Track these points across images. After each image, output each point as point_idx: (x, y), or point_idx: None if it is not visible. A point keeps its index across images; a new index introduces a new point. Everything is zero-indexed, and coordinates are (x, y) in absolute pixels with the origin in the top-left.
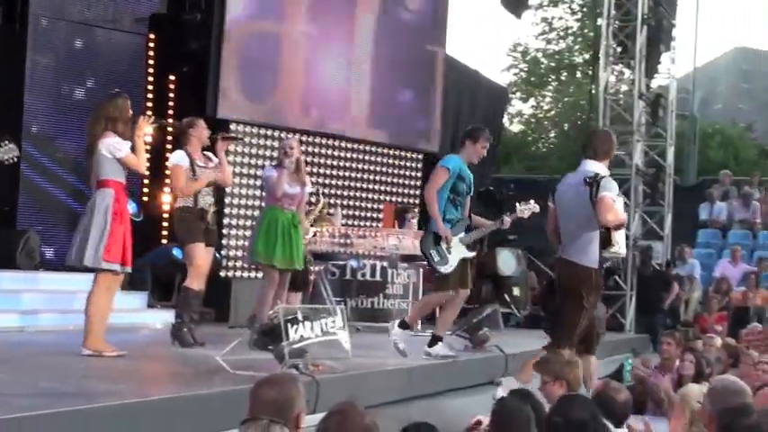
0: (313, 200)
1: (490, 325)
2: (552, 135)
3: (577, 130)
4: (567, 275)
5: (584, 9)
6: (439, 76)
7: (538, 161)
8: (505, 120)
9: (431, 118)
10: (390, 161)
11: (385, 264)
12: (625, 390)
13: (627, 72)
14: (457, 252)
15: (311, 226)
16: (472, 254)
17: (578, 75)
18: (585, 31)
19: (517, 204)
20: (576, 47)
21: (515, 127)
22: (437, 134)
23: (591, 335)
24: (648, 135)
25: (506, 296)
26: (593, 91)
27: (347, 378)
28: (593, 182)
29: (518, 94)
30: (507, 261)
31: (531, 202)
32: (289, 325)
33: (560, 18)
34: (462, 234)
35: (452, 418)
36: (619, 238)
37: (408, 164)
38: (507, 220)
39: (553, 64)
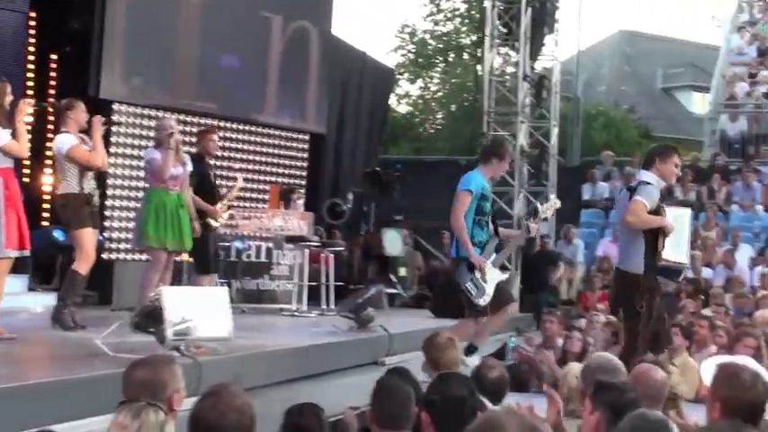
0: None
1: (375, 305)
2: (439, 116)
3: (464, 111)
4: (615, 284)
5: None
6: (319, 56)
7: (425, 142)
8: (393, 101)
9: (314, 99)
10: (276, 142)
11: (270, 245)
12: (500, 368)
13: (513, 54)
14: (492, 278)
15: (228, 208)
16: (506, 275)
17: (465, 56)
18: (472, 12)
19: (538, 206)
20: (464, 28)
21: (403, 108)
22: (324, 115)
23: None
24: (533, 116)
25: (392, 276)
26: (480, 72)
27: (230, 360)
28: (634, 188)
29: (406, 76)
30: (393, 241)
31: (552, 197)
32: (170, 306)
33: (448, 0)
34: (494, 256)
35: (337, 398)
36: (670, 245)
37: (294, 144)
38: (533, 226)
39: (441, 45)
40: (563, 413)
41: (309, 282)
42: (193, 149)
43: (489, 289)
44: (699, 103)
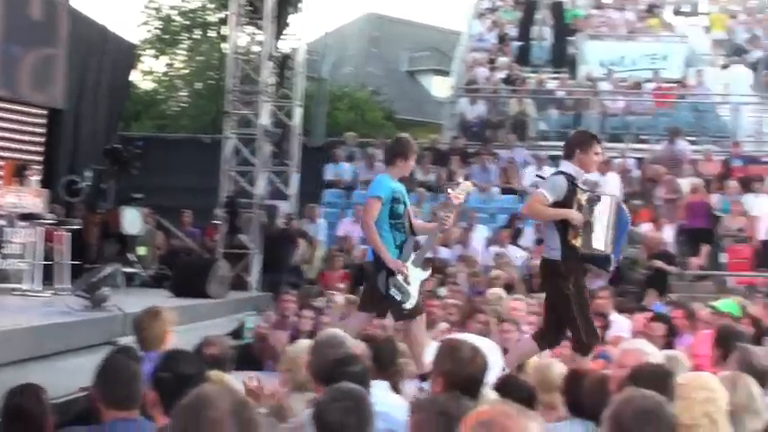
0: None
1: (111, 284)
2: (184, 94)
3: (209, 89)
4: (540, 272)
5: None
6: (62, 29)
7: (169, 120)
8: (137, 77)
9: (51, 73)
10: (9, 116)
11: (2, 222)
12: (221, 345)
13: (259, 34)
14: (415, 279)
15: None
16: (428, 272)
17: (212, 34)
18: None
19: (449, 191)
20: (211, 5)
21: (147, 84)
22: (61, 89)
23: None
24: (277, 96)
25: (131, 255)
26: (225, 51)
27: None
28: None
29: (151, 52)
30: (132, 220)
31: (461, 180)
32: None
33: None
34: (413, 256)
35: (69, 380)
36: (586, 234)
37: (30, 119)
38: (448, 215)
39: (187, 22)
40: (290, 387)
41: (44, 261)
42: None
43: (414, 290)
44: (441, 87)
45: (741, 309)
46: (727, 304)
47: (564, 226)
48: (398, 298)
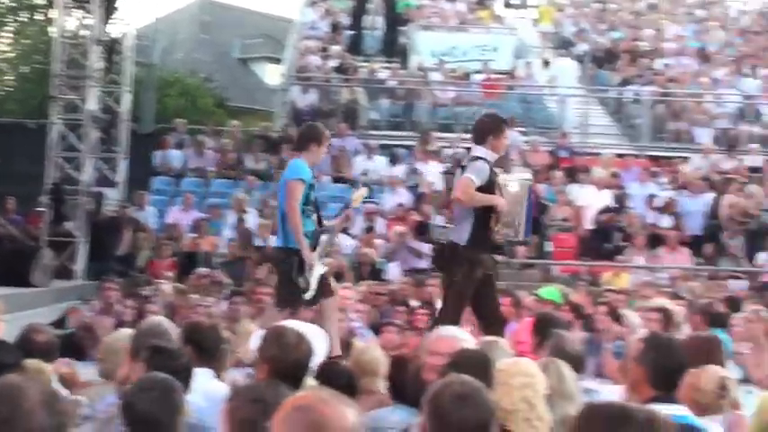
0: None
1: None
2: (10, 78)
3: (36, 73)
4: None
5: None
6: None
7: None
8: None
9: None
10: None
11: None
12: (47, 333)
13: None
14: (316, 271)
15: None
16: (326, 266)
17: (39, 17)
18: None
19: (351, 195)
20: None
21: None
22: None
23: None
24: (105, 81)
25: None
26: (52, 34)
27: None
28: (465, 166)
29: None
30: None
31: (360, 186)
32: None
33: None
34: (318, 248)
35: None
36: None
37: None
38: (350, 213)
39: (14, 4)
40: (100, 374)
41: None
42: None
43: (314, 283)
44: (273, 75)
45: (563, 296)
46: (550, 292)
47: (484, 213)
48: (303, 286)
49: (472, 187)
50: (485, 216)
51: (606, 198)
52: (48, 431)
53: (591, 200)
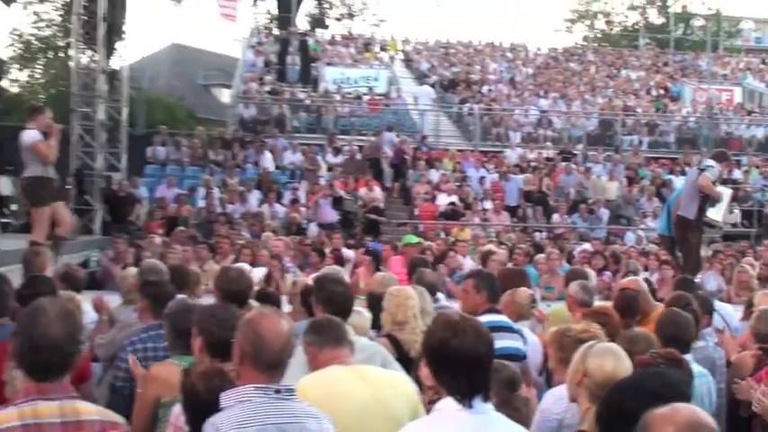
0: None
1: None
2: (42, 97)
3: (60, 94)
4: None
5: (64, 6)
6: None
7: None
8: (5, 84)
9: None
10: None
11: None
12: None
13: (96, 54)
14: None
15: None
16: None
17: (61, 54)
18: (65, 23)
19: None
20: (59, 34)
21: (15, 89)
22: None
23: None
24: (110, 99)
25: (5, 210)
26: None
27: None
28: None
29: (16, 66)
30: (6, 185)
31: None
32: None
33: (47, 12)
34: None
35: None
36: (714, 209)
37: None
38: None
39: (44, 45)
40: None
41: None
42: None
43: None
44: (226, 96)
45: (419, 242)
46: (410, 238)
47: (704, 198)
48: None
49: (712, 181)
50: (705, 201)
51: (452, 179)
52: (61, 339)
53: (442, 180)
